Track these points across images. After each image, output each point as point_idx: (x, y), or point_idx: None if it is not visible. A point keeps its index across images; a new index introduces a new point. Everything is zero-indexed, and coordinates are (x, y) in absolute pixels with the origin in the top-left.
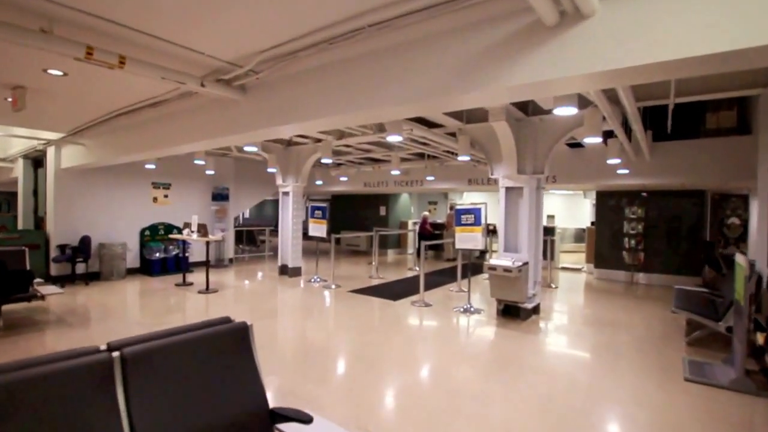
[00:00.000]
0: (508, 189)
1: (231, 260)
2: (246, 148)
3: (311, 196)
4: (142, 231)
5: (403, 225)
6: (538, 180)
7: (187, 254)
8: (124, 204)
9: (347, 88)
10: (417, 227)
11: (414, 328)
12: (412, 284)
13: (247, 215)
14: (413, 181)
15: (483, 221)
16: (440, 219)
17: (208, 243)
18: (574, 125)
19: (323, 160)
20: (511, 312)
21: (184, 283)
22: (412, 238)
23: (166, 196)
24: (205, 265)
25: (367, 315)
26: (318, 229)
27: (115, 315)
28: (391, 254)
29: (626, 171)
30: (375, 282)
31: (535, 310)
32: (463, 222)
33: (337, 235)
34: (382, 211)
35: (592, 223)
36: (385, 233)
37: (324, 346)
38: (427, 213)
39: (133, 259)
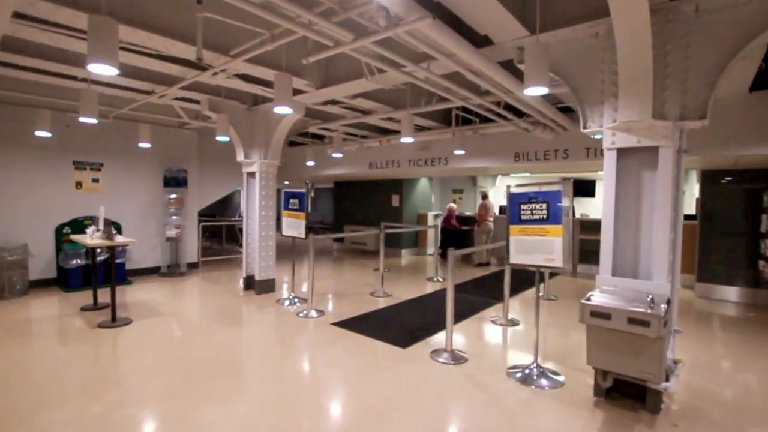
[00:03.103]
0: (622, 153)
1: (195, 265)
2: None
3: (315, 185)
4: (59, 228)
5: (422, 218)
6: (682, 135)
7: (122, 259)
8: (30, 190)
9: None
10: (440, 221)
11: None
12: (432, 309)
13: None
14: (434, 159)
15: (564, 215)
16: (469, 211)
17: (113, 250)
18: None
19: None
20: (626, 391)
21: (95, 306)
22: (432, 236)
23: (95, 180)
24: (153, 272)
25: (353, 389)
26: (294, 225)
27: None
28: (406, 255)
29: None
30: (378, 302)
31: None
32: (523, 216)
33: (338, 235)
34: (395, 200)
35: (687, 217)
36: (396, 230)
37: None
38: (453, 204)
39: (45, 268)
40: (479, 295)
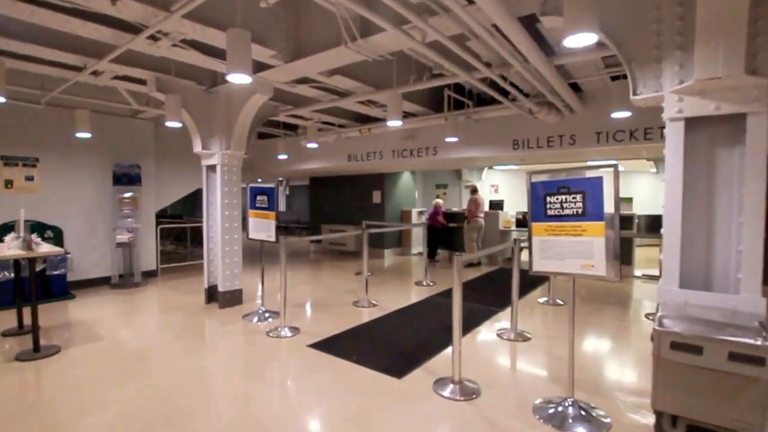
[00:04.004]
0: (691, 123)
1: (153, 273)
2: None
3: (290, 181)
4: None
5: (406, 216)
6: None
7: (61, 270)
8: None
9: None
10: (426, 218)
11: None
12: (427, 321)
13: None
14: (421, 149)
15: (605, 208)
16: (455, 207)
17: (33, 263)
18: None
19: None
20: None
21: (20, 330)
22: (417, 235)
23: (30, 179)
24: (103, 283)
25: None
26: (262, 226)
27: None
28: (389, 256)
29: None
30: (362, 314)
31: None
32: (550, 211)
33: (315, 237)
34: (376, 197)
35: None
36: (381, 230)
37: None
38: (440, 200)
39: None
40: (477, 302)
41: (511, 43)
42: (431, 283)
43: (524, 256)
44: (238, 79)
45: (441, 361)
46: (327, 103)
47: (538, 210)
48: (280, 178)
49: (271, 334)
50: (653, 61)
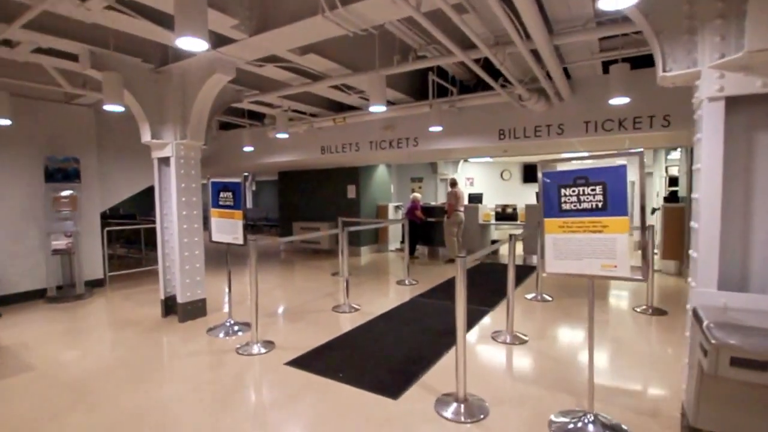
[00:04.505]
0: (731, 103)
1: (99, 283)
2: None
3: (256, 177)
4: None
5: (382, 211)
6: None
7: None
8: None
9: None
10: (403, 213)
11: None
12: (415, 326)
13: None
14: (401, 140)
15: (632, 199)
16: (432, 201)
17: None
18: None
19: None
20: None
21: None
22: (394, 231)
23: None
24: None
25: None
26: (227, 227)
27: None
28: (365, 253)
29: None
30: (344, 320)
31: None
32: (565, 206)
33: (286, 239)
34: (351, 191)
35: (667, 199)
36: (360, 228)
37: None
38: (417, 194)
39: None
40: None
41: (515, 15)
42: (414, 282)
43: (503, 250)
44: (190, 45)
45: (438, 374)
46: (298, 87)
47: (551, 204)
48: (246, 173)
49: (241, 352)
50: (684, 33)
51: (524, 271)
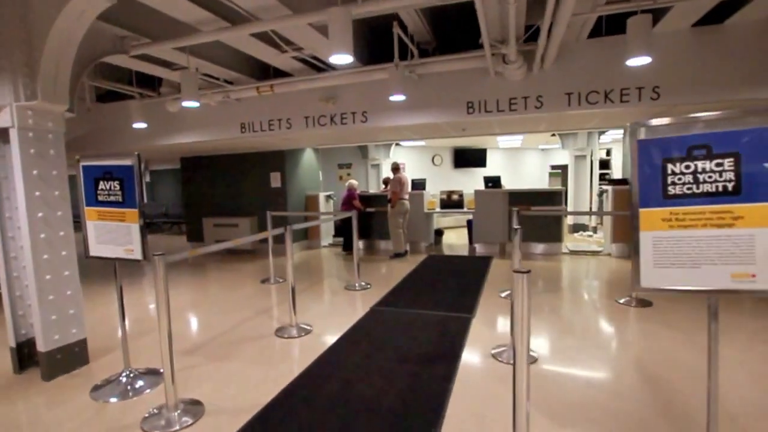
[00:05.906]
0: None
1: None
2: None
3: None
4: None
5: (312, 201)
6: None
7: None
8: None
9: None
10: (339, 203)
11: None
12: (386, 345)
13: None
14: (346, 114)
15: None
16: (364, 188)
17: None
18: None
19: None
20: None
21: None
22: (326, 224)
23: None
24: None
25: None
26: (112, 234)
27: None
28: (296, 250)
29: None
30: (294, 351)
31: None
32: (670, 189)
33: (218, 247)
34: (275, 180)
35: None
36: (307, 225)
37: None
38: (354, 181)
39: None
40: (433, 308)
41: None
42: (366, 286)
43: (447, 239)
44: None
45: (457, 428)
46: (210, 34)
47: (650, 187)
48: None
49: (150, 428)
50: None
51: (478, 264)
